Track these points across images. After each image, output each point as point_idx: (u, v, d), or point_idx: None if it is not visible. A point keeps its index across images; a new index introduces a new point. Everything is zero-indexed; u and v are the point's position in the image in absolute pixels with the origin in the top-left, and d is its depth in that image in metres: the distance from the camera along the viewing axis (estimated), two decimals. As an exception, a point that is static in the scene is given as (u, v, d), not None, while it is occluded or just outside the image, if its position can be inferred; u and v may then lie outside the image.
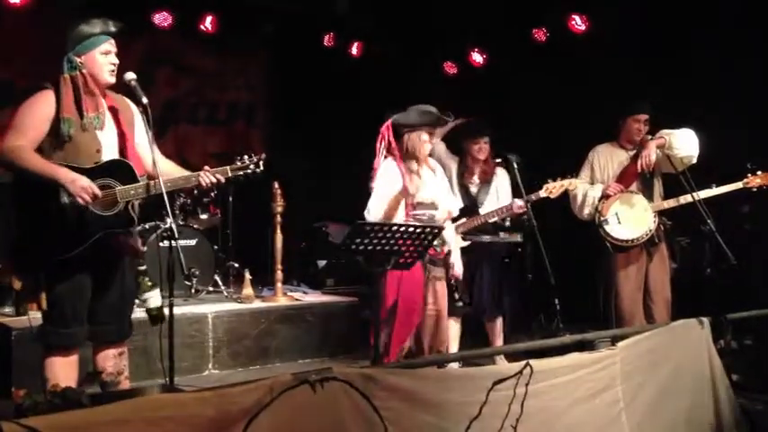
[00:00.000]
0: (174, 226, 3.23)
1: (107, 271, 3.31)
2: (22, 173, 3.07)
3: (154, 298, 3.53)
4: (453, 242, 4.41)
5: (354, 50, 7.77)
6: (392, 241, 3.22)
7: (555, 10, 6.60)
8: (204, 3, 7.04)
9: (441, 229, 3.52)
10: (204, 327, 5.19)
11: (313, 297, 6.24)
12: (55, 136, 3.11)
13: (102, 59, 3.21)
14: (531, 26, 6.88)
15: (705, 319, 3.45)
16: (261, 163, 3.46)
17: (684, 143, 4.63)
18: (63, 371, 3.22)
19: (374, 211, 3.98)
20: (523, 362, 2.70)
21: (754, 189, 4.57)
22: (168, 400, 2.05)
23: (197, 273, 5.78)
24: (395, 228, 3.24)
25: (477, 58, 7.53)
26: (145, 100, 3.26)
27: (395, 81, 7.38)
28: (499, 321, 5.02)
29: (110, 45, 3.24)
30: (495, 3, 6.54)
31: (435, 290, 4.14)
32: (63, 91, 3.13)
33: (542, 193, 4.63)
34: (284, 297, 5.97)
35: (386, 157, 4.10)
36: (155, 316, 3.48)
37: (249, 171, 3.46)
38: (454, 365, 4.06)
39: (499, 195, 4.98)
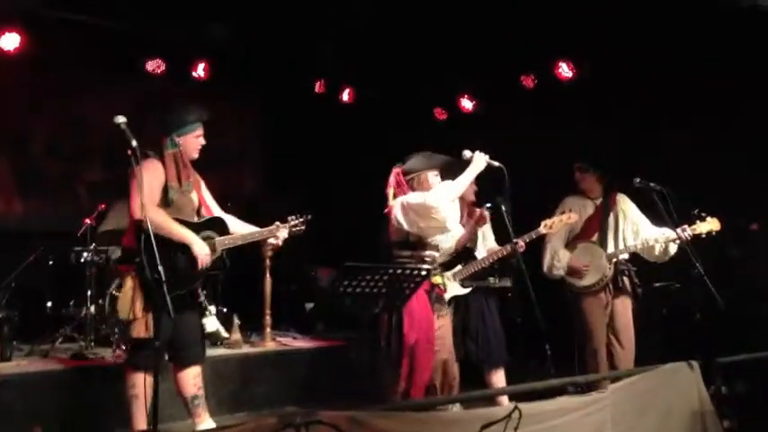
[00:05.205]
0: (161, 272, 3.22)
1: (189, 305, 3.90)
2: (164, 234, 3.60)
3: (210, 323, 5.48)
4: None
5: (345, 97, 7.86)
6: (380, 284, 3.22)
7: (542, 57, 6.70)
8: (196, 50, 7.11)
9: (428, 270, 3.52)
10: (191, 372, 5.12)
11: (302, 342, 6.18)
12: (164, 197, 3.75)
13: (195, 141, 3.89)
14: (520, 73, 6.98)
15: (695, 363, 3.44)
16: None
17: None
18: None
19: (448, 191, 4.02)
20: (512, 405, 2.67)
21: (703, 236, 4.45)
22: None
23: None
24: (381, 271, 3.24)
25: (467, 104, 7.63)
26: (134, 143, 3.30)
27: (386, 127, 7.44)
28: (502, 370, 4.83)
29: (201, 129, 3.91)
30: (484, 50, 6.64)
31: (441, 326, 4.14)
32: (168, 164, 3.78)
33: (542, 230, 4.55)
34: (273, 342, 5.92)
35: (395, 196, 4.09)
36: (213, 335, 5.48)
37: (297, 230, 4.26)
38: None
39: (485, 238, 4.87)
